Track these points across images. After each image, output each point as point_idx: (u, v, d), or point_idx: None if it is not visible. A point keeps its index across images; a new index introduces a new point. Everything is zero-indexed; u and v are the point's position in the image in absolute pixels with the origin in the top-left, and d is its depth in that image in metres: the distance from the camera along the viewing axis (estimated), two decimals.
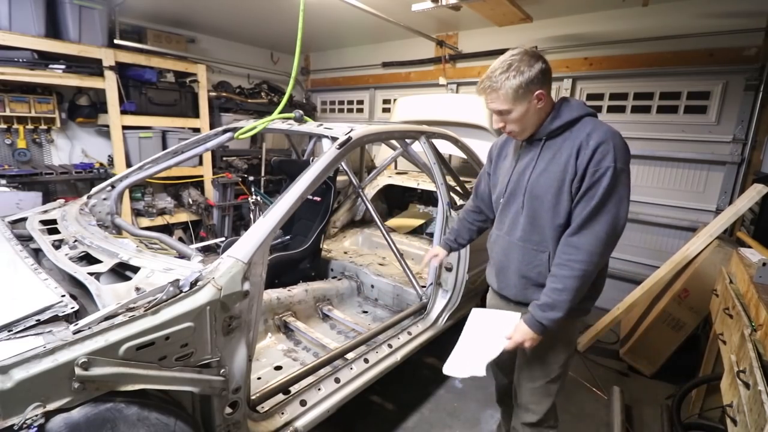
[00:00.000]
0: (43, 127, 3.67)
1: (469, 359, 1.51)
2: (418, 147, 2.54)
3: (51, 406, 0.99)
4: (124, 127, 3.93)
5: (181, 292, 1.25)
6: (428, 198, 4.08)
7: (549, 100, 1.40)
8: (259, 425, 1.56)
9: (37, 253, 1.72)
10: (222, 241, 3.13)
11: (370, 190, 3.84)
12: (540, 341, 1.43)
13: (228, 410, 1.43)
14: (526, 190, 1.44)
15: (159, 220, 4.28)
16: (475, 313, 1.64)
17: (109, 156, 4.10)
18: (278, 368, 2.15)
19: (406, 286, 2.76)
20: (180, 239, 4.34)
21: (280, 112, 2.23)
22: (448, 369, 1.53)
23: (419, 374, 2.76)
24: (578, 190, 1.32)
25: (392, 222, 3.94)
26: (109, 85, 3.72)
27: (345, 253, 3.45)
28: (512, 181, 1.50)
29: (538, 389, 1.58)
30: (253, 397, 1.57)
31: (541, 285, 1.45)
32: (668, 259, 2.97)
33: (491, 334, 1.51)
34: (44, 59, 3.41)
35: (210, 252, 3.33)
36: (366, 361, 2.02)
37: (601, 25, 3.71)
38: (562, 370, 1.56)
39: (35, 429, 0.96)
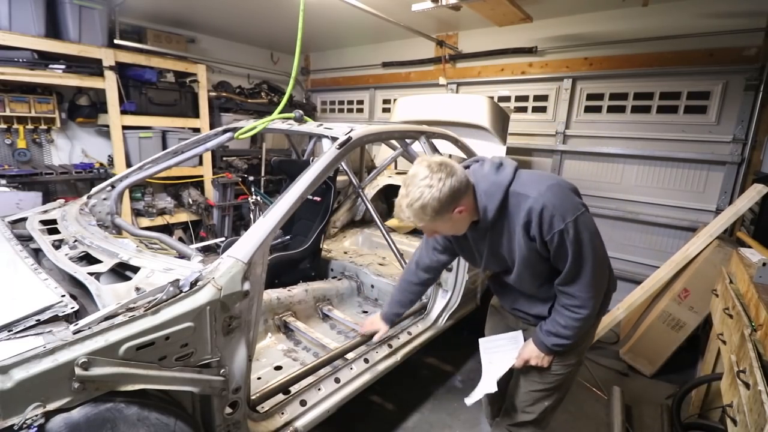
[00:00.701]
0: (43, 127, 3.68)
1: (483, 382, 1.59)
2: (418, 147, 2.54)
3: (51, 406, 0.99)
4: (124, 127, 3.93)
5: (181, 292, 1.24)
6: None
7: (471, 200, 1.32)
8: (259, 425, 1.56)
9: (37, 253, 1.72)
10: (222, 241, 3.12)
11: (370, 190, 3.84)
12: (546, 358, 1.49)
13: (228, 410, 1.43)
14: (503, 264, 1.47)
15: (159, 220, 4.28)
16: (483, 343, 1.69)
17: (109, 156, 4.10)
18: (278, 368, 2.14)
19: None
20: (180, 239, 4.34)
21: (280, 112, 2.23)
22: (469, 400, 1.58)
23: (419, 374, 2.76)
24: (546, 251, 1.32)
25: (392, 222, 3.94)
26: (109, 85, 3.72)
27: (345, 253, 3.45)
28: (483, 256, 1.49)
29: (534, 394, 1.58)
30: (253, 397, 1.57)
31: (543, 317, 1.51)
32: (668, 259, 2.97)
33: (501, 355, 1.60)
34: (44, 59, 3.41)
35: (210, 252, 3.32)
36: (366, 361, 2.02)
37: (601, 25, 3.71)
38: (561, 380, 1.54)
39: (35, 429, 0.96)
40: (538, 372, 1.54)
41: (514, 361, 1.53)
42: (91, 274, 1.44)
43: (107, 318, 1.12)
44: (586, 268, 1.30)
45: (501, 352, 1.61)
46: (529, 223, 1.28)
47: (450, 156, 3.73)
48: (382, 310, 1.91)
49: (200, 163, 4.54)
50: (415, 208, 1.25)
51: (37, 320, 1.13)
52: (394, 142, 2.74)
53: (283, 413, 1.64)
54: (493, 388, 1.51)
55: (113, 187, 2.39)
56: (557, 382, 1.54)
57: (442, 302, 2.53)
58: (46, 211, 2.15)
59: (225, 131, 2.54)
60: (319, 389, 1.78)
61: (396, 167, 4.16)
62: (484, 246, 1.46)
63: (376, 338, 1.95)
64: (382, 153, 4.05)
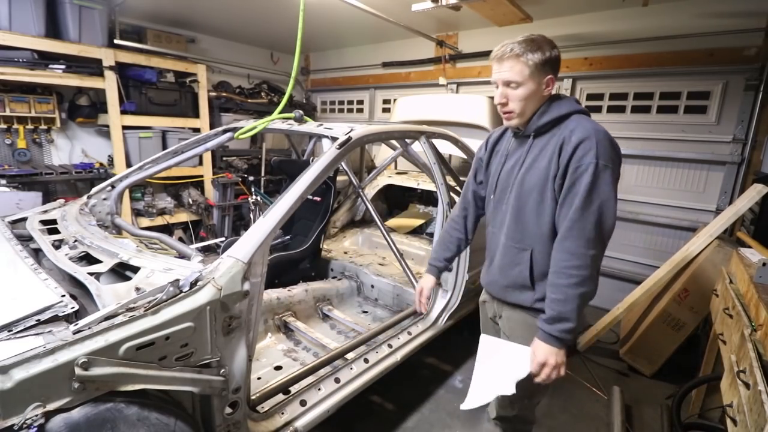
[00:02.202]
0: (43, 127, 3.67)
1: (491, 384, 1.44)
2: (418, 147, 2.54)
3: (51, 406, 0.99)
4: (124, 127, 3.93)
5: (181, 292, 1.24)
6: (428, 198, 4.08)
7: (548, 93, 1.37)
8: (259, 425, 1.56)
9: (37, 253, 1.72)
10: (222, 241, 3.13)
11: (370, 190, 3.84)
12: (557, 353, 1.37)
13: (228, 410, 1.43)
14: (513, 187, 1.43)
15: (159, 220, 4.28)
16: (485, 340, 1.56)
17: (109, 156, 4.10)
18: (278, 368, 2.15)
19: (406, 286, 2.76)
20: (180, 239, 4.34)
21: (280, 112, 2.23)
22: (467, 404, 1.44)
23: (419, 374, 2.76)
24: (561, 187, 1.30)
25: (392, 222, 3.94)
26: (109, 85, 3.72)
27: (345, 253, 3.45)
28: (501, 179, 1.49)
29: (522, 392, 1.54)
30: (253, 397, 1.57)
31: (520, 286, 1.45)
32: (668, 259, 2.97)
33: (508, 361, 1.45)
34: (44, 59, 3.41)
35: (210, 252, 3.32)
36: (366, 361, 2.02)
37: (601, 25, 3.71)
38: None
39: (35, 429, 0.96)
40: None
41: (530, 365, 1.36)
42: (91, 274, 1.44)
43: (107, 318, 1.12)
44: (590, 218, 1.24)
45: (508, 359, 1.45)
46: (566, 144, 1.28)
47: (449, 156, 3.74)
48: (428, 264, 1.80)
49: (200, 163, 4.54)
50: (527, 47, 1.27)
51: (37, 320, 1.13)
52: (394, 142, 2.75)
53: (283, 413, 1.64)
54: (511, 390, 1.34)
55: (113, 187, 2.39)
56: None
57: (442, 302, 2.53)
58: (46, 211, 2.15)
59: (225, 131, 2.54)
60: (319, 389, 1.78)
61: (396, 167, 4.16)
62: (512, 160, 1.45)
63: (426, 293, 1.78)
64: (382, 153, 4.05)
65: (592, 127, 1.29)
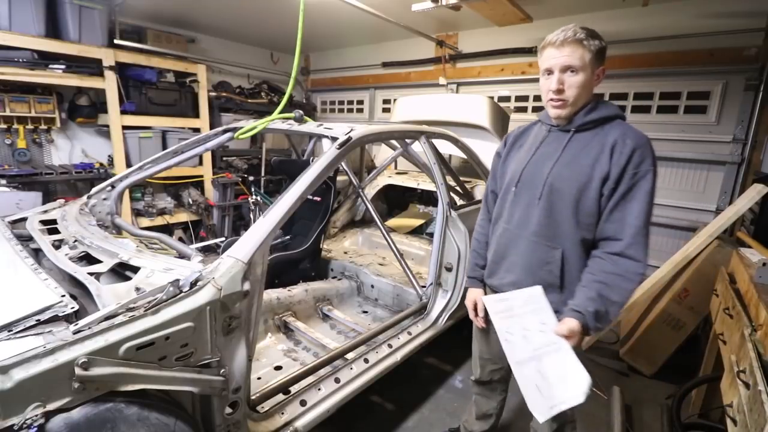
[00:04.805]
0: (43, 127, 3.68)
1: (547, 381, 1.29)
2: (418, 147, 2.54)
3: (51, 406, 0.99)
4: (124, 127, 3.93)
5: (181, 292, 1.24)
6: (428, 198, 4.08)
7: (597, 84, 1.37)
8: (259, 425, 1.56)
9: (37, 253, 1.71)
10: (222, 241, 3.12)
11: (370, 190, 3.84)
12: None
13: (228, 410, 1.43)
14: (546, 181, 1.36)
15: (159, 220, 4.28)
16: (489, 302, 1.40)
17: (109, 156, 4.11)
18: (278, 368, 2.15)
19: (406, 286, 2.76)
20: (180, 239, 4.34)
21: (280, 112, 2.23)
22: (541, 414, 1.25)
23: (419, 374, 2.76)
24: (612, 191, 1.28)
25: (392, 222, 3.94)
26: (109, 85, 3.72)
27: (345, 253, 3.45)
28: (527, 170, 1.42)
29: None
30: (253, 397, 1.57)
31: (548, 286, 1.38)
32: (668, 259, 2.97)
33: (531, 329, 1.32)
34: (44, 59, 3.41)
35: (210, 252, 3.32)
36: (366, 361, 2.02)
37: (601, 25, 3.65)
38: None
39: (35, 429, 0.96)
40: None
41: (564, 341, 1.29)
42: (91, 274, 1.43)
43: (107, 318, 1.12)
44: (648, 225, 1.27)
45: (530, 325, 1.32)
46: (620, 146, 1.27)
47: (449, 156, 3.74)
48: (468, 278, 1.71)
49: (200, 163, 4.54)
50: (588, 34, 1.27)
51: (37, 320, 1.12)
52: (394, 142, 2.75)
53: (283, 413, 1.64)
54: (581, 399, 1.27)
55: (113, 187, 2.39)
56: None
57: (442, 302, 2.52)
58: (46, 211, 2.15)
59: (225, 131, 2.54)
60: (319, 389, 1.78)
61: (396, 167, 4.17)
62: (544, 152, 1.40)
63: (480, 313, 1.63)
64: (382, 153, 4.05)
65: (642, 134, 1.31)
